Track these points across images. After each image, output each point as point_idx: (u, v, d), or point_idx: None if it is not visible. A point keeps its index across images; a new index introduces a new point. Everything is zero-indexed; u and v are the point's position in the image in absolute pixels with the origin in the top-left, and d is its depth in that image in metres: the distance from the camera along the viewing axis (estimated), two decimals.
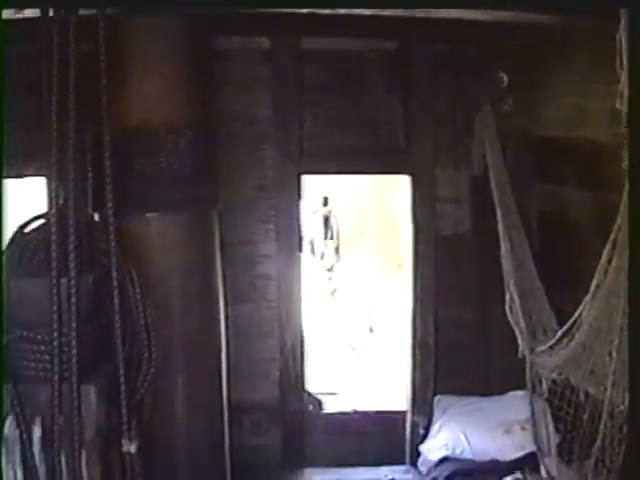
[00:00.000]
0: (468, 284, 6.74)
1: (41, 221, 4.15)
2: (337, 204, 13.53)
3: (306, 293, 6.96)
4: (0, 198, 3.72)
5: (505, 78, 5.99)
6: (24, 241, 4.09)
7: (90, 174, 4.21)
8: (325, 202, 13.30)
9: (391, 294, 10.02)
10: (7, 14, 4.14)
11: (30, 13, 4.20)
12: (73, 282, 3.75)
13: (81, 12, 3.95)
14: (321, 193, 12.95)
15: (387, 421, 6.93)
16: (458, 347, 6.73)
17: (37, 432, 3.69)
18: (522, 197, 5.84)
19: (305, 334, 6.93)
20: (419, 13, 4.33)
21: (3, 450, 3.65)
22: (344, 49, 6.48)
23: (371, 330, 11.50)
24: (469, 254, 6.73)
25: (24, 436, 3.67)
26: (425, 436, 6.61)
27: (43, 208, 4.22)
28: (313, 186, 9.11)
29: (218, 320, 5.15)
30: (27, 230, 4.15)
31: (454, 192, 6.70)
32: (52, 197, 3.93)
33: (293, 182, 6.53)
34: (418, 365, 6.82)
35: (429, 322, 6.75)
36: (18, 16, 4.23)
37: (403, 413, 6.90)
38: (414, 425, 6.78)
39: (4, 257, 4.06)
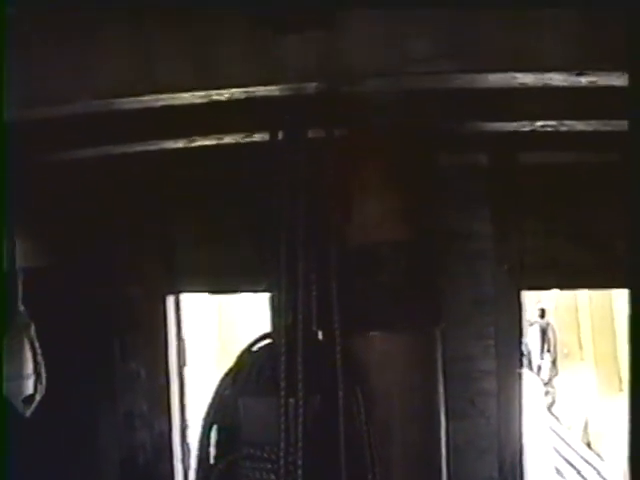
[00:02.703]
0: None
1: (267, 340, 4.25)
2: (554, 315, 13.29)
3: (525, 409, 6.79)
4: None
5: None
6: (252, 359, 4.18)
7: (314, 293, 4.28)
8: (542, 314, 13.08)
9: (611, 409, 9.71)
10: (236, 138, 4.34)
11: (258, 138, 4.37)
12: (301, 402, 3.79)
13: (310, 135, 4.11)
14: (538, 304, 12.76)
15: None
16: None
17: None
18: None
19: (524, 451, 6.74)
20: None
21: None
22: (561, 162, 6.41)
23: (589, 446, 11.14)
24: None
25: None
26: None
27: (265, 325, 4.34)
28: (531, 297, 8.98)
29: (439, 438, 5.06)
30: (254, 349, 4.25)
31: None
32: (281, 315, 4.01)
33: (513, 297, 6.43)
34: None
35: None
36: (247, 140, 4.41)
37: None
38: None
39: (232, 375, 4.17)
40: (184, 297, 6.46)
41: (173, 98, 3.40)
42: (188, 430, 6.53)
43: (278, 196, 4.14)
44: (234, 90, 3.32)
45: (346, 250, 4.46)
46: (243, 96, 3.40)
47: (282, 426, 3.86)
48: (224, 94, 3.36)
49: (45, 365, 5.73)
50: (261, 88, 3.33)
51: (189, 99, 3.43)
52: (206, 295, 6.34)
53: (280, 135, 4.16)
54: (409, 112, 4.13)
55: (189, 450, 6.53)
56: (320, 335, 4.40)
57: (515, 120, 4.38)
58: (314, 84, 3.31)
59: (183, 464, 6.54)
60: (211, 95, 3.37)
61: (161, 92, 3.33)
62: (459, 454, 6.27)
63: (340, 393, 4.03)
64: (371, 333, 4.59)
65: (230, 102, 3.51)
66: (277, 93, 3.45)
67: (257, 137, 4.38)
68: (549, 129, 4.40)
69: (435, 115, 4.15)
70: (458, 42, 3.04)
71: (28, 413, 5.71)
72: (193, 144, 4.49)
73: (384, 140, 4.57)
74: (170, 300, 6.44)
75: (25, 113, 3.61)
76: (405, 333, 4.66)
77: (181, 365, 6.50)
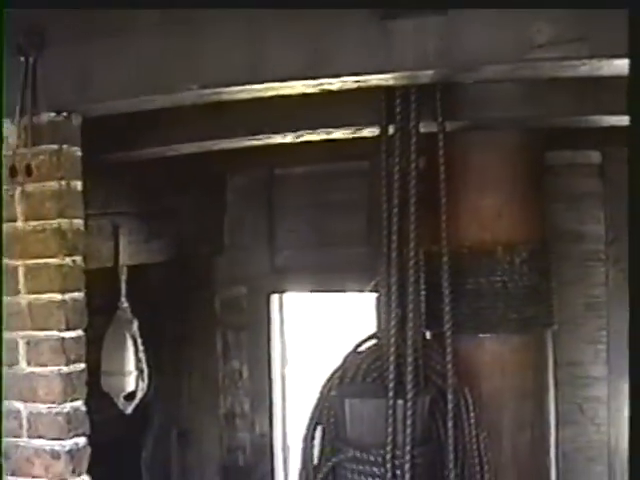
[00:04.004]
0: None
1: (374, 341, 4.16)
2: None
3: None
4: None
5: None
6: (358, 360, 4.10)
7: (423, 292, 4.18)
8: None
9: None
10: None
11: (367, 132, 4.26)
12: (409, 404, 3.70)
13: (421, 130, 3.99)
14: None
15: None
16: None
17: None
18: None
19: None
20: None
21: None
22: None
23: None
24: None
25: None
26: None
27: (372, 323, 4.25)
28: None
29: (548, 444, 4.93)
30: (361, 349, 4.17)
31: None
32: (389, 316, 3.93)
33: (625, 301, 6.20)
34: None
35: None
36: (356, 135, 4.31)
37: None
38: None
39: (338, 376, 4.10)
40: (288, 296, 6.38)
41: (283, 87, 3.30)
42: (289, 431, 6.46)
43: (388, 193, 4.03)
44: (346, 78, 3.19)
45: (459, 249, 4.34)
46: (354, 85, 3.28)
47: (389, 428, 3.77)
48: (335, 83, 3.24)
49: (147, 362, 5.70)
50: (373, 77, 3.20)
51: (299, 88, 3.32)
52: (310, 294, 6.24)
53: (390, 129, 4.06)
54: (526, 104, 3.96)
55: (289, 452, 6.46)
56: (429, 336, 4.30)
57: None
58: (429, 72, 3.17)
59: (284, 466, 6.47)
60: (322, 84, 3.26)
61: (271, 80, 3.24)
62: (567, 462, 6.09)
63: (449, 396, 3.93)
64: (481, 334, 4.49)
65: (341, 92, 3.39)
66: (390, 82, 3.32)
67: (367, 132, 4.26)
68: None
69: (553, 107, 3.97)
70: (585, 25, 2.87)
71: (129, 410, 5.69)
72: (300, 139, 4.39)
73: (498, 134, 4.45)
74: (274, 299, 6.36)
75: (132, 103, 3.56)
76: (516, 335, 4.53)
77: (283, 365, 6.44)
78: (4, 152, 3.60)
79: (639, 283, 2.87)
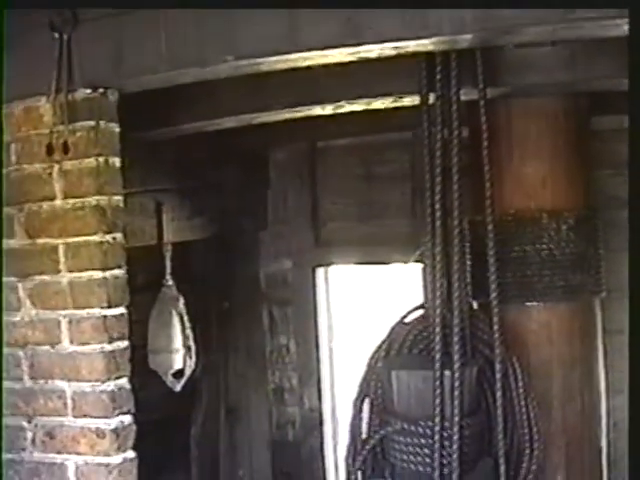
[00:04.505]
0: None
1: (420, 311, 4.12)
2: None
3: None
4: None
5: None
6: (405, 331, 4.06)
7: (468, 262, 4.12)
8: None
9: None
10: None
11: (408, 101, 4.20)
12: (457, 375, 3.66)
13: (462, 98, 3.92)
14: None
15: None
16: None
17: None
18: None
19: None
20: None
21: None
22: None
23: None
24: None
25: None
26: None
27: (418, 295, 4.20)
28: None
29: (599, 414, 4.86)
30: (407, 320, 4.13)
31: None
32: (433, 286, 3.89)
33: None
34: None
35: None
36: (397, 104, 4.25)
37: None
38: None
39: (384, 348, 4.07)
40: (333, 269, 6.35)
41: (320, 56, 3.24)
42: (338, 405, 6.43)
43: (430, 162, 3.97)
44: (384, 45, 3.12)
45: (503, 217, 4.26)
46: (393, 52, 3.21)
47: (437, 400, 3.72)
48: (374, 50, 3.17)
49: (194, 339, 5.69)
50: (411, 43, 3.13)
51: (337, 57, 3.26)
52: (356, 267, 6.20)
53: (431, 97, 3.99)
54: (569, 68, 3.87)
55: (338, 425, 6.43)
56: (475, 306, 4.24)
57: None
58: (467, 36, 3.09)
59: (333, 440, 6.44)
60: (360, 52, 3.19)
61: (307, 50, 3.18)
62: (618, 431, 6.00)
63: (497, 365, 3.87)
64: (528, 303, 4.41)
65: (380, 61, 3.33)
66: (429, 47, 3.24)
67: (407, 101, 4.19)
68: None
69: (597, 71, 3.88)
70: None
71: (178, 388, 5.69)
72: (341, 110, 4.33)
73: (541, 100, 4.36)
74: (319, 273, 6.33)
75: (166, 77, 3.52)
76: (563, 303, 4.46)
77: (330, 338, 6.40)
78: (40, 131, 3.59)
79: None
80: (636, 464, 2.82)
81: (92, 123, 3.53)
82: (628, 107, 2.75)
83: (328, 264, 6.32)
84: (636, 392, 2.85)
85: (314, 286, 6.31)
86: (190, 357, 5.69)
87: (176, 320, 5.61)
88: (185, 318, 5.64)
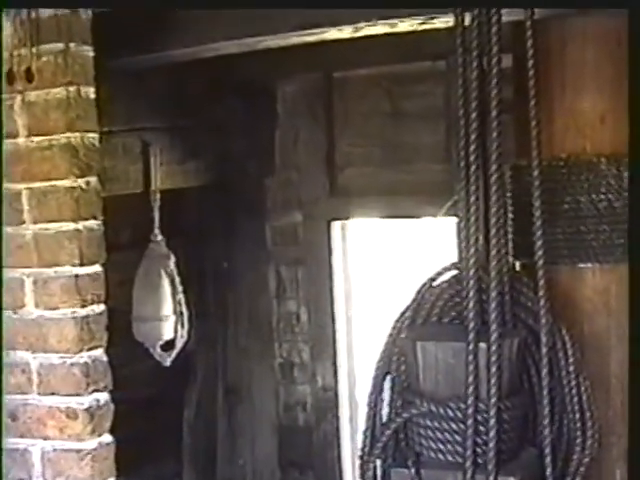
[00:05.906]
0: None
1: (453, 272, 4.09)
2: None
3: None
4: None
5: None
6: (433, 295, 4.04)
7: (510, 215, 4.11)
8: None
9: None
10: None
11: (440, 23, 4.17)
12: (494, 348, 3.63)
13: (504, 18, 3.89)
14: None
15: None
16: None
17: None
18: None
19: None
20: None
21: None
22: None
23: None
24: None
25: None
26: None
27: (453, 255, 4.18)
28: None
29: None
30: (436, 283, 4.11)
31: None
32: (468, 243, 3.86)
33: None
34: None
35: None
36: (426, 27, 4.23)
37: None
38: None
39: (410, 315, 4.06)
40: (352, 224, 6.35)
41: None
42: (357, 383, 6.46)
43: (465, 97, 3.94)
44: None
45: (553, 162, 4.23)
46: None
47: (470, 377, 3.70)
48: None
49: (187, 304, 5.70)
50: None
51: None
52: (379, 221, 6.20)
53: (467, 19, 3.95)
54: None
55: (357, 408, 6.46)
56: (517, 267, 4.22)
57: None
58: None
59: (351, 425, 6.48)
60: None
61: None
62: None
63: (543, 338, 3.83)
64: (581, 264, 4.39)
65: None
66: None
67: (438, 22, 4.16)
68: None
69: None
70: None
71: (168, 362, 5.71)
72: (360, 33, 4.30)
73: (601, 20, 4.30)
74: (335, 227, 6.32)
75: None
76: (624, 265, 4.42)
77: (348, 305, 6.42)
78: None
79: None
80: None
81: (61, 46, 3.51)
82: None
83: (346, 217, 6.33)
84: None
85: (329, 243, 6.33)
86: (182, 326, 5.71)
87: (166, 282, 5.61)
88: (176, 280, 5.65)
